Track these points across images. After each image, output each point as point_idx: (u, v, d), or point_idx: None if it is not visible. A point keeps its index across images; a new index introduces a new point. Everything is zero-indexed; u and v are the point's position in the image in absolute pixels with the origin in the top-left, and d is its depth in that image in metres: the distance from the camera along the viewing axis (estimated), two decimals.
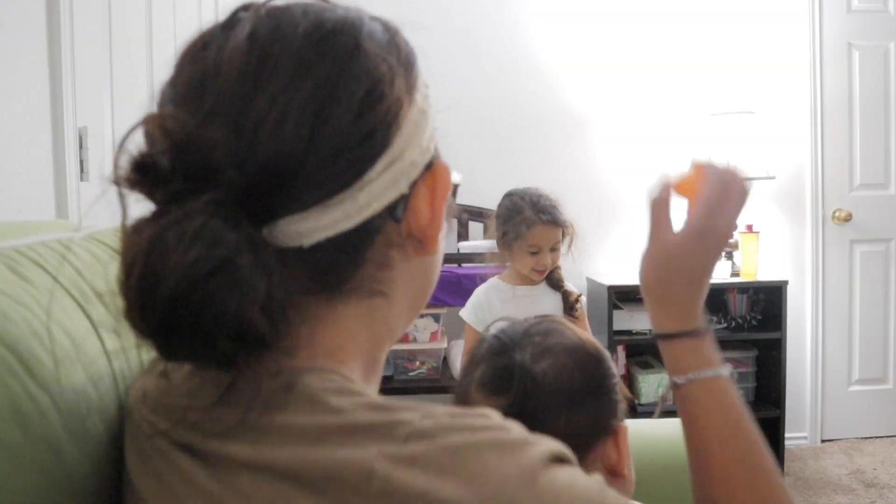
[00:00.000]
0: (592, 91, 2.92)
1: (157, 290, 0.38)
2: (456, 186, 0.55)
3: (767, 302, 2.79)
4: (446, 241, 0.55)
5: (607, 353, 0.77)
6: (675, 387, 0.62)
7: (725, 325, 2.76)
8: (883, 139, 3.01)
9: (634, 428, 0.79)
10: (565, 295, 1.89)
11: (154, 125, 0.41)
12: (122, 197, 0.41)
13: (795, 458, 2.82)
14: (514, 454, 0.39)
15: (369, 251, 0.46)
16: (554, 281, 1.89)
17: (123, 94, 1.64)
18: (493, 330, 0.80)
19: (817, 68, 2.96)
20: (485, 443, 0.39)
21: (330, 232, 0.43)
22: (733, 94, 2.89)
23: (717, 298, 2.84)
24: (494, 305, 1.89)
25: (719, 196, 0.62)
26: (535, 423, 0.67)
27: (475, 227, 2.85)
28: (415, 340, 2.54)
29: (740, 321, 2.79)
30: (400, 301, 0.50)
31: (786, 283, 2.69)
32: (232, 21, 0.45)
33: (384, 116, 0.44)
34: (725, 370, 0.62)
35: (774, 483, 0.60)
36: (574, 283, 2.87)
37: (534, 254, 1.83)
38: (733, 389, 0.62)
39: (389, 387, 2.54)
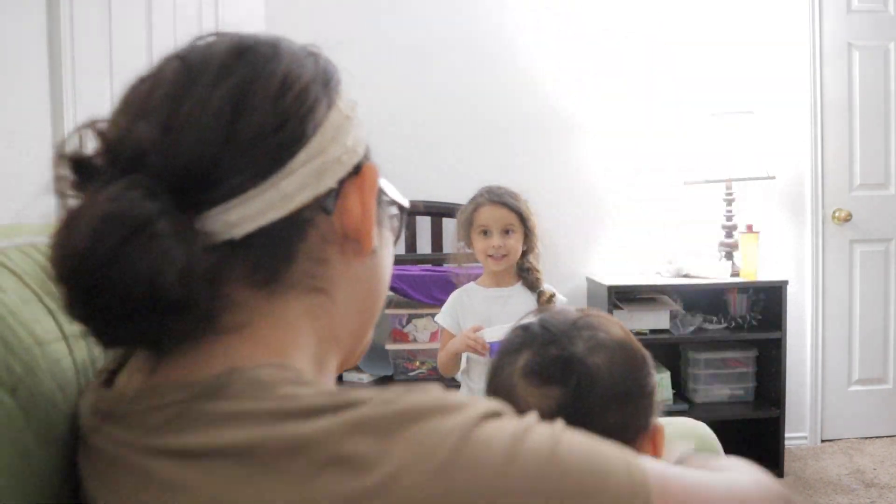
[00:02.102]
0: (592, 90, 2.92)
1: (70, 247, 0.40)
2: (403, 209, 0.55)
3: (767, 302, 2.79)
4: (392, 250, 0.57)
5: (648, 353, 0.76)
6: None
7: (725, 325, 2.77)
8: (883, 139, 3.01)
9: None
10: (540, 295, 1.87)
11: (89, 130, 0.45)
12: (63, 195, 0.44)
13: (795, 458, 2.82)
14: (452, 415, 0.41)
15: (302, 244, 0.47)
16: (530, 282, 1.88)
17: None
18: (526, 319, 0.77)
19: (817, 68, 2.96)
20: (426, 409, 0.41)
21: (259, 221, 0.45)
22: (733, 94, 2.89)
23: (717, 298, 2.84)
24: (467, 307, 1.89)
25: None
26: (587, 416, 0.66)
27: None
28: (415, 340, 2.54)
29: (740, 321, 2.79)
30: (344, 303, 0.51)
31: (786, 283, 2.69)
32: (167, 59, 0.50)
33: (297, 105, 0.47)
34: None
35: None
36: (574, 283, 2.89)
37: (485, 234, 1.84)
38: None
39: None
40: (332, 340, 0.51)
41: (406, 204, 0.59)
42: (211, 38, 0.50)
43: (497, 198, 1.85)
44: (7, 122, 1.33)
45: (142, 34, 1.79)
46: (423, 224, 2.88)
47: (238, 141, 0.45)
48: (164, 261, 0.40)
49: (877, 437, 3.01)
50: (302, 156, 0.46)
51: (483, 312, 1.86)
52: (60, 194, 0.44)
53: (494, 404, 0.43)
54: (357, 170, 0.51)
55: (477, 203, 1.87)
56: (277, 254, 0.46)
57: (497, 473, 0.39)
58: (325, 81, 0.50)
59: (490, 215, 1.84)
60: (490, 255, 1.84)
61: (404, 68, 2.84)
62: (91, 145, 0.46)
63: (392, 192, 0.57)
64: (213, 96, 0.45)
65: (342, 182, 0.49)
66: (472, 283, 1.95)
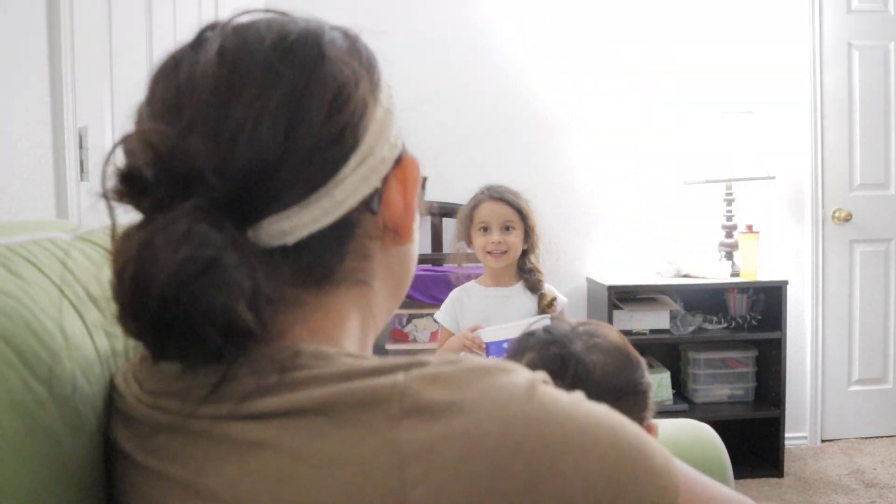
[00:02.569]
0: (592, 91, 2.92)
1: (149, 292, 0.40)
2: (424, 180, 0.60)
3: (767, 302, 2.79)
4: (419, 234, 0.58)
5: (642, 358, 0.82)
6: None
7: (725, 325, 2.77)
8: (883, 139, 3.01)
9: None
10: (541, 297, 1.87)
11: (137, 140, 0.43)
12: (111, 209, 0.43)
13: (795, 458, 2.82)
14: (513, 374, 0.45)
15: (350, 244, 0.49)
16: (531, 283, 1.88)
17: (123, 94, 1.64)
18: (537, 327, 0.86)
19: (817, 68, 2.96)
20: (491, 367, 0.45)
21: (312, 228, 0.46)
22: (733, 95, 2.89)
23: (717, 298, 2.84)
24: (466, 306, 1.89)
25: None
26: None
27: None
28: (415, 340, 2.54)
29: (740, 321, 2.79)
30: (381, 289, 0.54)
31: (786, 283, 2.69)
32: (199, 40, 0.48)
33: (352, 116, 0.47)
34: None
35: None
36: (574, 283, 2.89)
37: (485, 231, 1.84)
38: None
39: None
40: (370, 323, 0.54)
41: (425, 175, 0.62)
42: (244, 20, 0.49)
43: (497, 194, 1.85)
44: (7, 123, 1.33)
45: (142, 34, 1.79)
46: (424, 224, 2.88)
47: (295, 154, 0.45)
48: (235, 293, 0.41)
49: (877, 437, 3.01)
50: (353, 161, 0.47)
51: (482, 312, 1.86)
52: (109, 205, 0.44)
53: (541, 373, 0.47)
54: (397, 161, 0.52)
55: (477, 200, 1.88)
56: (328, 256, 0.48)
57: (561, 428, 0.43)
58: (371, 77, 0.51)
59: (490, 211, 1.84)
60: (489, 252, 1.84)
61: (401, 66, 2.84)
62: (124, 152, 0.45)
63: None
64: (267, 107, 0.45)
65: (385, 178, 0.50)
66: (471, 282, 1.95)
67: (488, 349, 1.72)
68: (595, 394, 0.70)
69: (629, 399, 0.77)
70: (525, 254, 1.88)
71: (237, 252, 0.42)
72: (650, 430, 0.78)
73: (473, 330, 1.77)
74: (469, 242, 1.90)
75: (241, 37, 0.48)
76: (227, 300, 0.41)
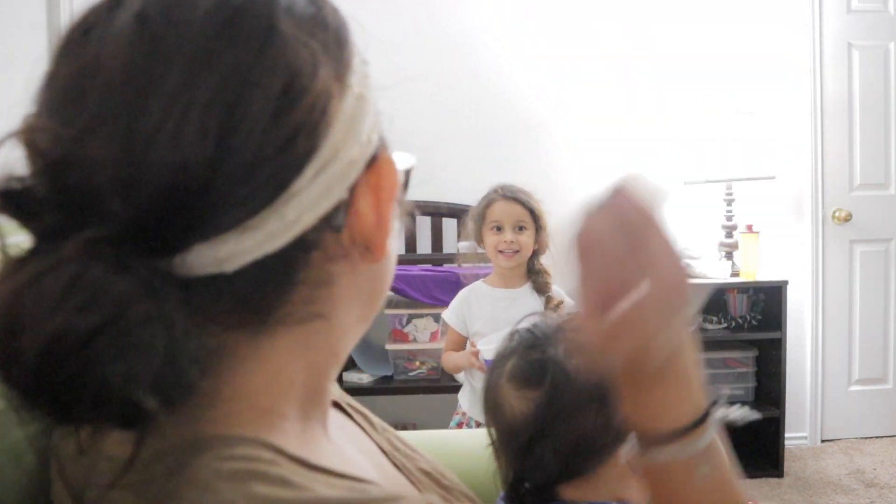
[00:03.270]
0: (593, 91, 2.92)
1: (21, 360, 0.31)
2: (408, 172, 0.49)
3: (767, 302, 2.78)
4: (397, 242, 0.47)
5: None
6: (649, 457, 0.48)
7: (725, 325, 2.76)
8: (883, 139, 3.01)
9: None
10: (548, 300, 1.87)
11: (23, 141, 0.34)
12: None
13: (795, 458, 2.82)
14: None
15: (303, 272, 0.38)
16: (539, 285, 1.88)
17: None
18: (523, 324, 0.79)
19: (817, 68, 2.95)
20: None
21: (256, 254, 0.35)
22: (733, 94, 2.89)
23: (717, 298, 2.84)
24: (474, 306, 1.90)
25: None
26: (564, 418, 0.68)
27: None
28: (415, 340, 2.53)
29: (740, 321, 2.79)
30: (344, 319, 0.43)
31: (786, 283, 2.69)
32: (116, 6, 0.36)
33: (308, 115, 0.36)
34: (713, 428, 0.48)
35: None
36: (574, 283, 2.87)
37: (497, 232, 1.84)
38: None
39: (389, 387, 2.54)
40: (330, 363, 0.44)
41: (412, 164, 0.49)
42: None
43: (510, 194, 1.85)
44: (8, 123, 1.33)
45: None
46: (423, 224, 2.88)
47: (231, 166, 0.34)
48: (142, 361, 0.32)
49: (877, 437, 3.01)
50: (310, 170, 0.36)
51: (489, 314, 1.87)
52: None
53: None
54: (371, 161, 0.40)
55: (489, 199, 1.88)
56: (272, 288, 0.37)
57: None
58: (339, 55, 0.39)
59: (503, 211, 1.84)
60: (501, 251, 1.84)
61: (392, 66, 2.84)
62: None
63: (403, 169, 0.46)
64: (195, 101, 0.33)
65: (354, 185, 0.39)
66: (480, 282, 1.95)
67: (486, 364, 1.73)
68: (579, 402, 0.68)
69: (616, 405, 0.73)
70: (535, 254, 1.88)
71: (149, 300, 0.32)
72: None
73: (476, 352, 1.78)
74: (480, 241, 1.90)
75: None
76: (127, 374, 0.31)
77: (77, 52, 0.36)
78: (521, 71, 2.90)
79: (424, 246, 2.88)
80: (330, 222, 0.38)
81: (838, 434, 3.03)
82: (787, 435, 2.74)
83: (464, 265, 2.03)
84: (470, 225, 1.93)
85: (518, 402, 0.70)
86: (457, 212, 2.80)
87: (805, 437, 3.01)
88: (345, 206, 0.39)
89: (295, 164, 0.36)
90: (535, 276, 1.88)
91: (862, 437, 3.01)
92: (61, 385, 0.31)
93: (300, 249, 0.37)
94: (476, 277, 1.97)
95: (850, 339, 3.04)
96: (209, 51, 0.34)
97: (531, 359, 0.72)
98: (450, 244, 2.85)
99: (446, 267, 2.58)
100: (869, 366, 3.04)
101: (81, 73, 0.35)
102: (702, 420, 0.47)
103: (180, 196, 0.33)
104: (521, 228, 1.84)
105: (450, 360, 1.91)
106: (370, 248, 0.41)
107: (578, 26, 2.91)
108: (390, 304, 2.54)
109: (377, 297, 0.46)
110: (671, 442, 0.47)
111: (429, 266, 2.59)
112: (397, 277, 2.40)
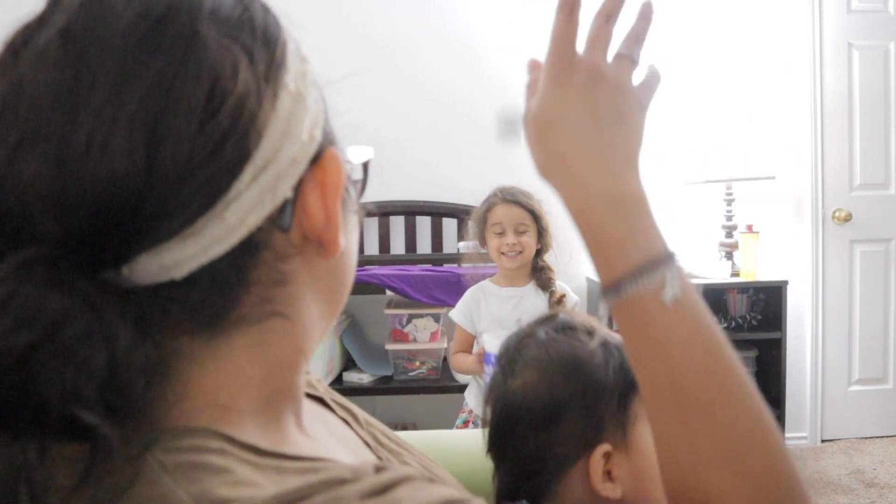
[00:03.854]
0: None
1: None
2: (366, 165, 0.47)
3: (767, 302, 2.79)
4: (356, 237, 0.47)
5: (599, 359, 0.67)
6: (617, 297, 0.47)
7: (725, 325, 2.76)
8: (883, 139, 3.01)
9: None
10: (551, 295, 1.93)
11: None
12: None
13: (795, 458, 2.82)
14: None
15: (254, 272, 0.38)
16: (542, 282, 1.93)
17: None
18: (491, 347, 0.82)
19: (817, 68, 2.95)
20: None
21: (202, 259, 0.36)
22: (734, 95, 2.89)
23: (717, 298, 2.84)
24: (481, 305, 1.94)
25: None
26: (507, 444, 0.68)
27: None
28: (415, 340, 2.53)
29: (740, 321, 2.79)
30: (306, 315, 0.43)
31: (786, 283, 2.69)
32: (46, 14, 0.37)
33: (235, 119, 0.36)
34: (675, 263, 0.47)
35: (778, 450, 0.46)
36: (574, 283, 2.88)
37: (499, 235, 1.88)
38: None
39: (389, 387, 2.54)
40: (296, 360, 0.44)
41: (370, 156, 0.48)
42: None
43: (511, 197, 1.90)
44: None
45: None
46: (424, 224, 2.88)
47: (162, 176, 0.34)
48: (81, 376, 0.32)
49: (877, 437, 3.01)
50: (247, 173, 0.36)
51: (496, 312, 1.92)
52: None
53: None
54: (315, 158, 0.40)
55: (490, 202, 1.92)
56: (224, 291, 0.37)
57: None
58: (267, 56, 0.38)
59: (504, 214, 1.88)
60: (504, 253, 1.89)
61: (392, 66, 2.84)
62: None
63: (353, 162, 0.46)
64: (120, 114, 0.34)
65: (299, 183, 0.39)
66: (486, 281, 2.00)
67: (488, 359, 1.76)
68: (519, 424, 0.66)
69: (572, 417, 0.65)
70: (538, 253, 1.92)
71: (88, 314, 0.32)
72: (609, 457, 0.65)
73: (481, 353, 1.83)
74: (483, 243, 1.95)
75: (93, 11, 0.36)
76: (66, 389, 0.31)
77: (5, 73, 0.36)
78: (522, 71, 2.90)
79: (424, 246, 2.88)
80: (276, 222, 0.38)
81: (838, 434, 3.03)
82: (787, 435, 2.75)
83: (467, 266, 2.06)
84: (472, 227, 1.97)
85: (487, 421, 0.73)
86: (457, 212, 2.80)
87: (805, 437, 3.01)
88: (291, 205, 0.39)
89: (229, 168, 0.36)
90: (537, 273, 1.92)
91: (862, 437, 3.01)
92: (1, 404, 0.31)
93: (249, 251, 0.37)
94: (481, 277, 2.02)
95: (850, 339, 3.04)
96: (132, 63, 0.34)
97: (495, 379, 0.73)
98: (450, 244, 2.85)
99: (446, 267, 2.58)
100: (869, 366, 3.04)
101: (10, 93, 0.35)
102: (666, 253, 0.47)
103: (115, 210, 0.34)
104: (522, 231, 1.88)
105: (459, 362, 1.96)
106: (322, 244, 0.41)
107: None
108: (390, 304, 2.54)
109: (338, 292, 0.46)
110: (640, 275, 0.46)
111: (429, 266, 2.59)
112: (397, 277, 2.41)
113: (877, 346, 3.04)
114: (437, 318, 2.52)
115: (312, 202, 0.40)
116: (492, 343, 1.76)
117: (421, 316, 2.52)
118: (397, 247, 2.90)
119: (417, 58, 2.84)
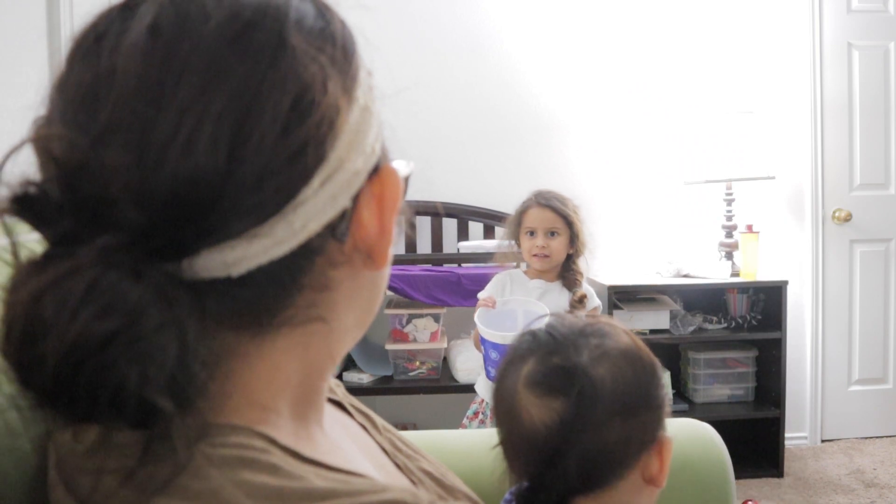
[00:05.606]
0: (593, 91, 2.92)
1: (40, 366, 0.32)
2: (407, 178, 0.47)
3: (767, 302, 2.79)
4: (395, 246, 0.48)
5: (658, 362, 0.72)
6: None
7: (725, 325, 2.77)
8: (883, 139, 3.01)
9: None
10: (574, 292, 1.97)
11: (38, 148, 0.35)
12: (8, 231, 0.34)
13: (795, 458, 2.82)
14: None
15: (306, 276, 0.40)
16: (569, 281, 1.98)
17: None
18: (539, 324, 0.74)
19: (817, 68, 2.96)
20: None
21: (262, 259, 0.37)
22: (733, 95, 2.89)
23: (717, 298, 2.84)
24: (507, 288, 2.00)
25: None
26: (588, 429, 0.66)
27: (475, 227, 2.85)
28: (415, 340, 2.53)
29: (740, 321, 2.79)
30: (343, 322, 0.44)
31: (786, 283, 2.69)
32: (132, 4, 0.37)
33: (317, 129, 0.37)
34: None
35: None
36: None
37: (531, 235, 1.95)
38: None
39: (389, 387, 2.54)
40: (326, 365, 0.45)
41: (411, 170, 0.49)
42: None
43: (545, 201, 1.96)
44: (8, 124, 1.33)
45: None
46: (424, 224, 2.88)
47: (241, 177, 0.35)
48: (155, 366, 0.33)
49: (877, 437, 3.01)
50: (316, 180, 0.37)
51: (520, 297, 1.96)
52: (4, 224, 0.34)
53: None
54: (374, 171, 0.42)
55: (526, 205, 2.00)
56: (277, 291, 0.39)
57: None
58: (346, 69, 0.40)
59: (536, 217, 1.95)
60: (534, 255, 1.95)
61: (400, 67, 2.84)
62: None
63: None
64: (207, 113, 0.34)
65: (357, 194, 0.40)
66: (517, 270, 2.06)
67: (486, 348, 1.75)
68: (602, 415, 0.65)
69: (640, 417, 0.68)
70: (570, 257, 1.98)
71: (162, 306, 0.33)
72: (663, 446, 0.69)
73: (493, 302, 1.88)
74: (518, 244, 2.02)
75: (182, 9, 0.36)
76: (140, 378, 0.32)
77: (90, 60, 0.36)
78: (523, 73, 2.90)
79: (424, 246, 2.88)
80: (334, 230, 0.39)
81: (838, 434, 3.03)
82: (787, 435, 2.74)
83: (501, 264, 2.11)
84: (507, 227, 2.05)
85: (539, 412, 0.66)
86: (457, 212, 2.80)
87: (805, 437, 3.01)
88: (348, 215, 0.40)
89: (303, 175, 0.37)
90: (566, 273, 1.98)
91: (862, 437, 3.01)
92: (80, 388, 0.32)
93: (305, 255, 0.39)
94: (490, 275, 2.07)
95: (850, 339, 3.04)
96: (221, 63, 0.35)
97: (553, 365, 0.68)
98: (450, 244, 2.86)
99: (446, 267, 2.58)
100: (869, 366, 3.04)
101: (96, 81, 0.36)
102: None
103: (192, 204, 0.34)
104: (553, 234, 1.94)
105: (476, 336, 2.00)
106: (372, 256, 0.42)
107: (578, 26, 2.91)
108: (390, 304, 2.54)
109: (374, 302, 0.47)
110: None
111: (429, 266, 2.59)
112: (397, 277, 2.41)
113: (877, 346, 3.04)
114: (437, 318, 2.53)
115: (367, 214, 0.41)
116: (490, 333, 1.75)
117: (421, 316, 2.52)
118: (397, 247, 2.90)
119: (415, 59, 2.84)
